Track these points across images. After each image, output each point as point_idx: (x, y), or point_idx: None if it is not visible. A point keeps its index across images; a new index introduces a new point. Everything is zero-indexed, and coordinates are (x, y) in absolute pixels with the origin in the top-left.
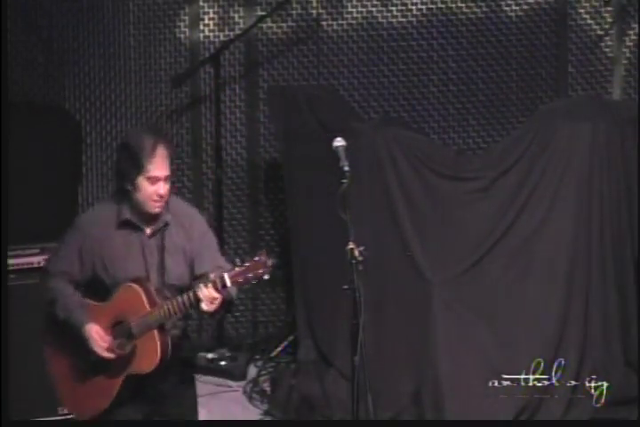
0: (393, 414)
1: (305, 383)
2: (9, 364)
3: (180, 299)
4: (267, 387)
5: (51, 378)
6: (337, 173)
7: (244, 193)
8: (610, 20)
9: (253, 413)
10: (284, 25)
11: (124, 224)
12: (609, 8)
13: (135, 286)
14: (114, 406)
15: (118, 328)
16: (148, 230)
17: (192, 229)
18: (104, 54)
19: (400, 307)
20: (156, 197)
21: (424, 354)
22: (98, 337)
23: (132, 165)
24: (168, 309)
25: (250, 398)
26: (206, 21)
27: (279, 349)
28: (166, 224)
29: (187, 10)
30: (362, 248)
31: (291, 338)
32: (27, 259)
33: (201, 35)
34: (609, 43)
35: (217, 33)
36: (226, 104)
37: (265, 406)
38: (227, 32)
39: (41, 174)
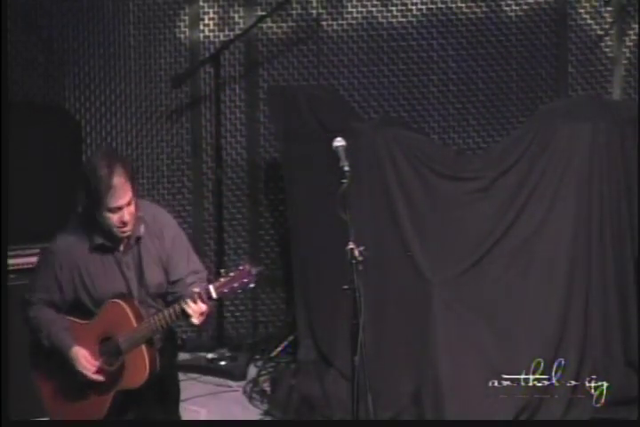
0: (393, 414)
1: (305, 383)
2: (9, 364)
3: (166, 313)
4: (267, 387)
5: (41, 402)
6: (337, 173)
7: (243, 193)
8: (610, 20)
9: (253, 413)
10: (284, 25)
11: (97, 247)
12: (609, 8)
13: (120, 301)
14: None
15: (106, 345)
16: (122, 247)
17: (163, 237)
18: (104, 54)
19: (400, 307)
20: (119, 224)
21: (424, 354)
22: (85, 361)
23: (91, 199)
24: (155, 323)
25: (250, 398)
26: (206, 21)
27: (279, 349)
28: (138, 239)
29: (187, 10)
30: (362, 248)
31: (291, 338)
32: (27, 259)
33: (201, 35)
34: (609, 43)
35: (217, 33)
36: (226, 104)
37: (265, 406)
38: (227, 32)
39: (41, 174)
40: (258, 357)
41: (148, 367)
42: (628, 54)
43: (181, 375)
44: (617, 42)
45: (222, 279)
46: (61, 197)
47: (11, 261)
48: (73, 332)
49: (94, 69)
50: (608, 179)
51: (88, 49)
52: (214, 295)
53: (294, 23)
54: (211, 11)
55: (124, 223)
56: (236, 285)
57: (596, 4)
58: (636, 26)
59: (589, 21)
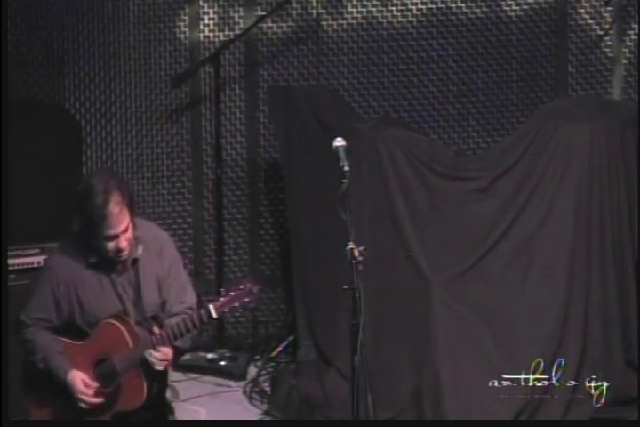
0: (393, 414)
1: (305, 383)
2: (9, 364)
3: (164, 334)
4: (267, 387)
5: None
6: (337, 173)
7: (243, 193)
8: (610, 20)
9: (253, 413)
10: (283, 25)
11: (92, 265)
12: (609, 8)
13: (115, 322)
14: None
15: (101, 366)
16: (118, 268)
17: (162, 256)
18: (104, 54)
19: (400, 307)
20: (116, 251)
21: (424, 354)
22: (83, 385)
23: (86, 226)
24: (151, 343)
25: (250, 398)
26: (206, 21)
27: (279, 349)
28: (135, 260)
29: (187, 10)
30: (362, 248)
31: (291, 338)
32: (27, 259)
33: (201, 35)
34: (609, 43)
35: (217, 33)
36: (226, 104)
37: (265, 406)
38: (227, 32)
39: (41, 174)
40: (258, 357)
41: (145, 389)
42: (628, 54)
43: (181, 375)
44: (617, 42)
45: (222, 299)
46: (61, 198)
47: (11, 262)
48: (68, 354)
49: (94, 69)
50: (608, 179)
51: (88, 49)
52: (214, 315)
53: (294, 23)
54: (211, 11)
55: (120, 250)
56: (236, 304)
57: (596, 4)
58: (636, 26)
59: (589, 21)
